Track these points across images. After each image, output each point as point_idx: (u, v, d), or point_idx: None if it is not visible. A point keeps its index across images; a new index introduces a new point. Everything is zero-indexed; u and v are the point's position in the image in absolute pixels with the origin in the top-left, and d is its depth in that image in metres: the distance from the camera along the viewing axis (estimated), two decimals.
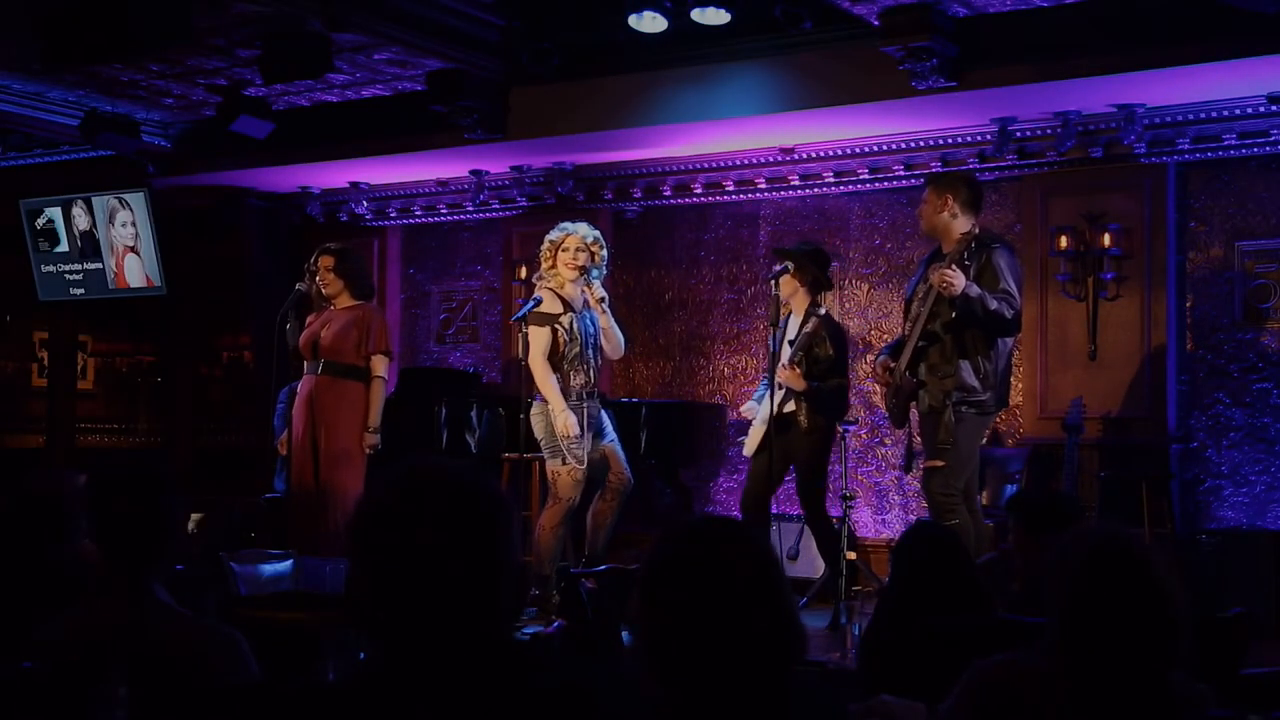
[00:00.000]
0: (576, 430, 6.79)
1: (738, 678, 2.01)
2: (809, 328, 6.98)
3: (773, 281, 7.12)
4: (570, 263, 6.95)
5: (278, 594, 5.66)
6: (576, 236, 7.01)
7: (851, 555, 7.43)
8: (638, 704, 2.06)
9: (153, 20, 7.22)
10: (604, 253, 7.09)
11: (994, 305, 6.09)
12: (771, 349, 7.04)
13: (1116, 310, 7.99)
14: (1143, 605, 2.44)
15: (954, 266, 6.09)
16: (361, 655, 3.03)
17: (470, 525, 2.00)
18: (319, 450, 7.17)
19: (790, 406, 6.99)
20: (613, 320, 7.05)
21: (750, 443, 7.21)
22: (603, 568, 6.34)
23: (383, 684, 1.97)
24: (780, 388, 6.99)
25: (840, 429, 7.37)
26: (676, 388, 9.57)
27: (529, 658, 2.03)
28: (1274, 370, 7.87)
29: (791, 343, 7.07)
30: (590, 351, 6.95)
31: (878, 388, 6.91)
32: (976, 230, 6.28)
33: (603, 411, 7.10)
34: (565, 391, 6.84)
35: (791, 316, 7.16)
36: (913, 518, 8.47)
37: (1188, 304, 8.07)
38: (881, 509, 8.82)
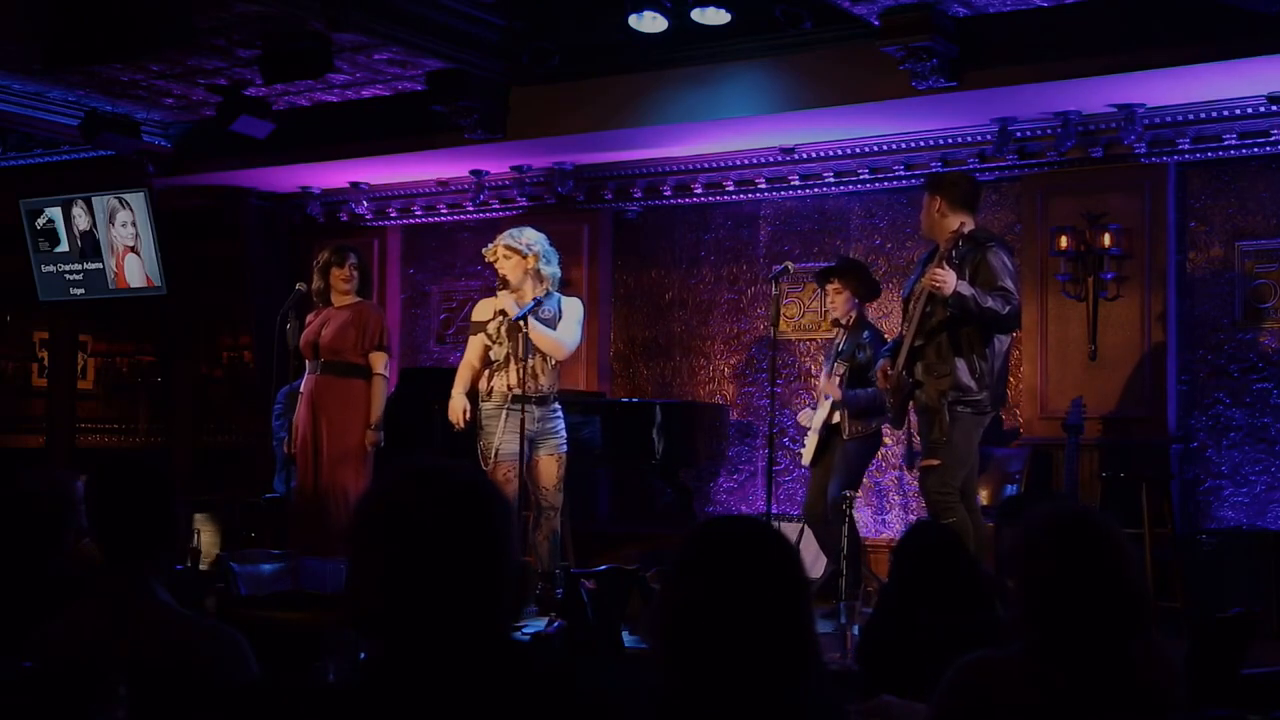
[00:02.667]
0: (455, 419, 6.83)
1: (758, 686, 2.02)
2: (851, 337, 7.44)
3: (773, 282, 7.34)
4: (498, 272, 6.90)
5: (278, 594, 5.65)
6: (499, 247, 6.89)
7: None
8: (638, 704, 2.06)
9: (153, 20, 7.22)
10: (536, 249, 6.84)
11: (988, 303, 6.11)
12: (826, 360, 7.66)
13: (1116, 310, 7.99)
14: (1109, 579, 2.42)
15: (944, 265, 6.12)
16: (361, 655, 3.02)
17: (470, 525, 2.00)
18: (320, 450, 7.18)
19: (836, 417, 7.43)
20: (539, 325, 6.76)
21: (807, 452, 7.63)
22: (603, 568, 6.34)
23: (383, 684, 1.97)
24: (826, 398, 7.50)
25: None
26: (677, 388, 9.57)
27: (529, 658, 2.03)
28: (1274, 370, 7.86)
29: (840, 352, 7.45)
30: (525, 355, 6.76)
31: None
32: (965, 228, 6.30)
33: (552, 420, 6.89)
34: (489, 394, 6.82)
35: (844, 332, 7.57)
36: (913, 517, 8.47)
37: (1188, 304, 8.07)
38: (881, 509, 8.82)
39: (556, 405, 6.96)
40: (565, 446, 6.96)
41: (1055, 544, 2.46)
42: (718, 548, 2.10)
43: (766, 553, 2.10)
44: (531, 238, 6.91)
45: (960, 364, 6.23)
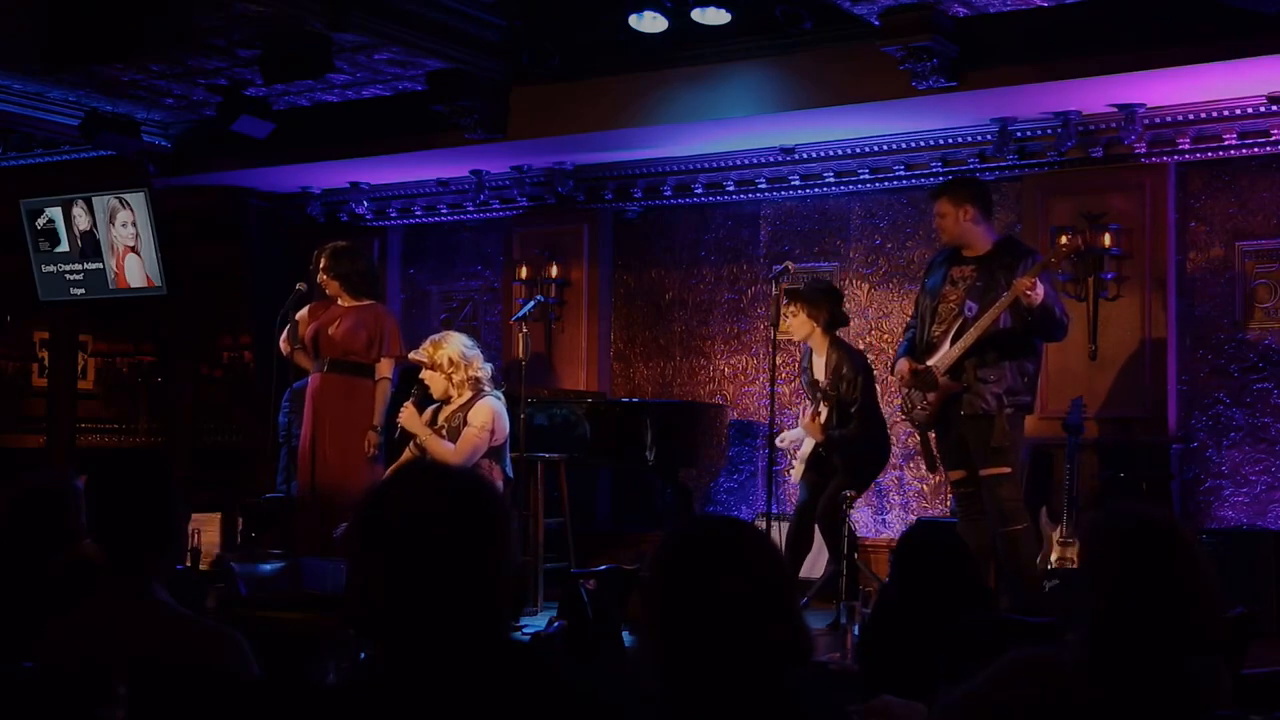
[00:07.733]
0: None
1: (748, 681, 2.02)
2: (829, 366, 7.18)
3: (773, 282, 7.33)
4: None
5: (278, 594, 5.65)
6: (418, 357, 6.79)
7: None
8: (638, 704, 2.06)
9: (153, 20, 7.22)
10: (442, 354, 6.70)
11: (1059, 313, 6.33)
12: (804, 387, 7.41)
13: (1116, 310, 7.99)
14: (1174, 588, 2.28)
15: (1036, 278, 6.23)
16: (361, 655, 3.03)
17: (469, 525, 2.00)
18: (321, 449, 7.17)
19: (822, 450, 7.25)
20: (433, 438, 6.66)
21: (796, 473, 7.41)
22: (603, 568, 6.34)
23: (383, 684, 1.97)
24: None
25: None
26: (677, 388, 9.56)
27: (529, 658, 2.03)
28: (1274, 370, 7.86)
29: (816, 384, 7.26)
30: None
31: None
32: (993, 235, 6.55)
33: None
34: None
35: (814, 355, 7.33)
36: (913, 517, 8.48)
37: (1188, 304, 8.07)
38: (881, 509, 8.82)
39: None
40: None
41: (1121, 547, 2.33)
42: (690, 555, 2.09)
43: (740, 554, 2.09)
44: (447, 349, 6.73)
45: (1011, 366, 6.35)
